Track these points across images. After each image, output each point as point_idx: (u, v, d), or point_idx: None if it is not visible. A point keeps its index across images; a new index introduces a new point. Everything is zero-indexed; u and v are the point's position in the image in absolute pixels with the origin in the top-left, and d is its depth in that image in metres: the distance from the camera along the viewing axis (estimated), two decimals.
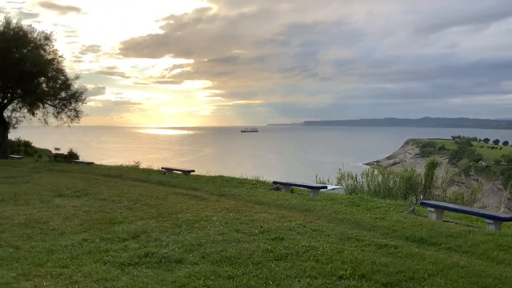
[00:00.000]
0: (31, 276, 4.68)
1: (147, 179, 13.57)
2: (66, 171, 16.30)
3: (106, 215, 7.75)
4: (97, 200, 9.44)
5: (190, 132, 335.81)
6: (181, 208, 8.42)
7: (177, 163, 57.55)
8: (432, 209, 8.60)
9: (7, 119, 26.34)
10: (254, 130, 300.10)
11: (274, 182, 12.47)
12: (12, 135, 30.13)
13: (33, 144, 38.51)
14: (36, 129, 29.98)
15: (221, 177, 14.24)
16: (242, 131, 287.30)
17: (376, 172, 17.23)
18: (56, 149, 25.44)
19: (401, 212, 8.87)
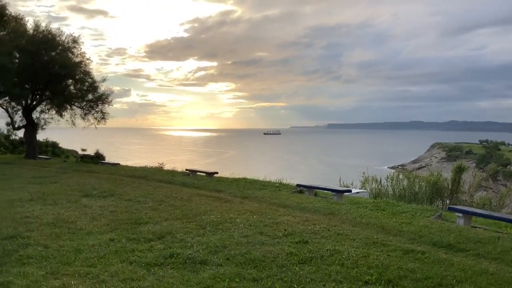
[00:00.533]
0: (59, 275, 4.78)
1: (172, 180, 13.69)
2: (92, 172, 16.59)
3: (132, 216, 7.85)
4: (123, 201, 9.57)
5: (213, 134, 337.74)
6: (205, 210, 8.46)
7: (201, 165, 57.95)
8: (460, 215, 8.42)
9: (35, 120, 26.98)
10: (277, 133, 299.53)
11: (298, 185, 12.43)
12: (40, 136, 30.89)
13: (60, 145, 39.42)
14: (63, 130, 30.59)
15: (245, 179, 14.27)
16: (264, 134, 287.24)
17: (401, 176, 17.01)
18: (82, 150, 25.91)
19: (428, 217, 8.71)
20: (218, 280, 4.63)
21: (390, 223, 7.79)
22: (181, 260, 5.26)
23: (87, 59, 26.54)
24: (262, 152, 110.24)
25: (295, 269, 5.05)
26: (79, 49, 26.36)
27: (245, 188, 12.08)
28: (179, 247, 5.83)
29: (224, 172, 17.36)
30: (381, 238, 6.55)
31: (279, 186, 12.70)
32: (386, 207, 9.46)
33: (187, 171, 16.12)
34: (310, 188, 11.86)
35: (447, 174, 16.35)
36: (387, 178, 16.44)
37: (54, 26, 28.98)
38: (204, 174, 15.42)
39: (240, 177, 14.95)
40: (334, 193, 11.06)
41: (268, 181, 13.90)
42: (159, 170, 17.76)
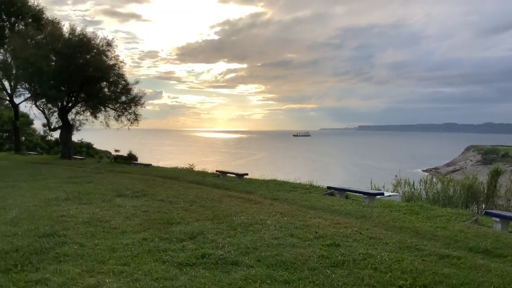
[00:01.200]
0: (94, 273, 4.88)
1: (202, 181, 13.81)
2: (125, 172, 16.91)
3: (164, 216, 7.95)
4: (155, 201, 9.71)
5: (243, 135, 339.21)
6: (235, 211, 8.49)
7: (231, 166, 58.23)
8: (498, 219, 8.16)
9: (71, 122, 27.73)
10: (307, 135, 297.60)
11: (328, 187, 12.31)
12: (75, 137, 31.74)
13: (94, 146, 40.40)
14: (97, 131, 31.30)
15: (274, 181, 14.24)
16: (294, 135, 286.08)
17: (434, 179, 16.64)
18: (116, 150, 26.41)
19: (463, 221, 8.48)
20: (250, 282, 4.63)
21: (424, 227, 7.62)
22: (213, 261, 5.29)
23: (121, 61, 27.12)
24: (292, 154, 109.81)
25: (326, 272, 4.99)
26: (113, 52, 26.96)
27: (275, 189, 12.06)
28: (211, 247, 5.86)
29: (254, 173, 17.37)
30: (415, 243, 6.42)
31: (309, 188, 12.61)
32: (420, 211, 9.25)
33: (217, 172, 16.22)
34: (341, 190, 11.73)
35: (483, 177, 15.93)
36: (420, 181, 16.12)
37: (89, 29, 29.57)
38: (234, 175, 15.48)
39: (270, 178, 14.93)
40: (366, 196, 10.90)
41: (298, 183, 13.83)
42: (189, 171, 17.94)
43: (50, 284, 4.53)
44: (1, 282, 4.59)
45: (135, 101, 27.29)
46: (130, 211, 8.43)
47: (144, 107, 28.01)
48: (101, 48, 26.47)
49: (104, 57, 26.54)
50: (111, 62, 26.78)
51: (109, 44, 26.83)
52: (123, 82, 27.25)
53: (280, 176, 16.41)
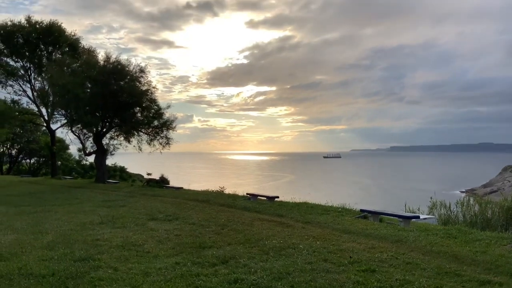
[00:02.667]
0: None
1: (233, 204, 13.80)
2: (158, 196, 17.10)
3: (196, 239, 7.96)
4: (187, 224, 9.75)
5: (274, 157, 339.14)
6: (267, 235, 8.42)
7: (261, 189, 58.11)
8: None
9: (105, 146, 28.41)
10: (337, 156, 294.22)
11: (362, 210, 12.08)
12: (109, 161, 32.47)
13: (127, 169, 41.19)
14: (130, 155, 31.89)
15: (306, 203, 14.08)
16: (324, 157, 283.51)
17: (472, 201, 16.14)
18: (148, 174, 26.80)
19: (504, 245, 8.12)
20: None
21: (463, 251, 7.34)
22: (246, 286, 5.24)
23: (153, 87, 27.73)
24: (322, 176, 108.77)
25: None
26: (145, 78, 27.61)
27: (306, 213, 11.91)
28: (243, 272, 5.81)
29: (285, 196, 17.23)
30: (454, 268, 6.18)
31: (342, 211, 12.40)
32: (458, 235, 8.94)
33: (248, 195, 16.19)
34: (374, 213, 11.49)
35: None
36: (457, 203, 15.66)
37: (123, 57, 30.71)
38: (265, 198, 15.41)
39: (301, 201, 14.78)
40: (401, 219, 10.63)
41: (330, 206, 13.63)
42: (220, 194, 17.97)
43: None
44: None
45: (167, 125, 27.80)
46: (162, 235, 8.49)
47: (176, 131, 28.50)
48: (135, 75, 27.19)
49: (137, 83, 27.23)
50: (144, 88, 27.43)
51: (142, 70, 27.54)
52: (155, 107, 27.84)
53: (311, 199, 16.21)
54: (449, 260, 6.74)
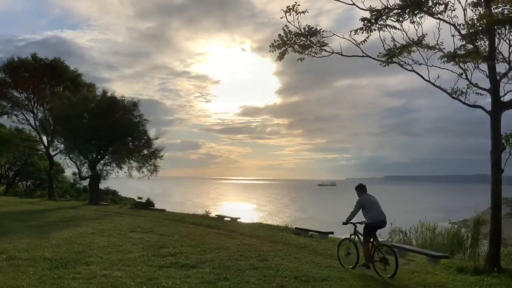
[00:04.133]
0: (108, 270, 8.14)
1: (201, 223, 17.04)
2: (141, 216, 20.30)
3: (159, 243, 11.27)
4: (157, 235, 13.02)
5: (271, 182, 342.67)
6: (211, 241, 11.76)
7: (242, 211, 60.91)
8: None
9: (99, 172, 31.62)
10: (332, 184, 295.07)
11: (296, 228, 15.36)
12: (102, 185, 35.60)
13: (119, 193, 44.29)
14: (131, 180, 34.13)
15: (259, 223, 17.39)
16: (319, 185, 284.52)
17: (424, 228, 18.86)
18: (139, 198, 29.77)
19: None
20: (198, 276, 7.81)
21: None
22: (181, 265, 8.55)
23: (144, 119, 31.16)
24: (310, 202, 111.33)
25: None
26: (137, 111, 31.09)
27: (254, 229, 15.19)
28: (183, 259, 9.13)
29: (257, 218, 20.33)
30: (320, 260, 9.45)
31: (284, 229, 15.68)
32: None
33: (217, 216, 19.46)
34: (305, 230, 14.70)
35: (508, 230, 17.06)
36: (410, 229, 18.36)
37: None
38: (229, 219, 18.67)
39: (256, 222, 18.08)
40: (320, 234, 13.87)
41: (277, 225, 16.98)
42: (194, 215, 21.18)
43: (82, 274, 7.81)
44: (55, 273, 7.88)
45: (155, 154, 31.22)
46: (137, 240, 11.78)
47: (164, 160, 31.85)
48: (128, 109, 30.58)
49: (130, 116, 30.64)
50: (136, 120, 30.88)
51: (134, 104, 31.05)
52: (145, 137, 31.28)
53: (278, 221, 19.39)
54: (325, 257, 10.04)
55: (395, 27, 10.20)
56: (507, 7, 9.19)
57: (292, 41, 10.75)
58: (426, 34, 10.14)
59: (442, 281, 8.23)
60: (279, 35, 10.76)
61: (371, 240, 8.66)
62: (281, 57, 11.01)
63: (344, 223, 8.91)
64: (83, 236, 12.62)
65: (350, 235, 9.11)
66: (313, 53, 10.90)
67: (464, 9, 9.85)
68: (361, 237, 8.86)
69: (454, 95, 10.27)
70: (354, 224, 8.93)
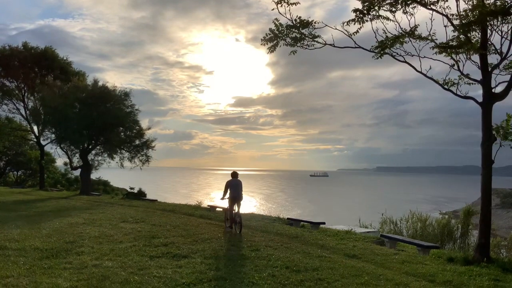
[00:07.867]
0: (99, 260, 8.12)
1: (193, 213, 17.01)
2: (133, 206, 20.23)
3: (151, 233, 11.24)
4: (149, 225, 12.98)
5: (259, 173, 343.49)
6: (203, 232, 11.75)
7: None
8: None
9: (90, 162, 31.47)
10: (324, 175, 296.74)
11: (288, 219, 15.41)
12: (94, 175, 35.44)
13: (111, 183, 44.12)
14: (124, 170, 34.14)
15: (251, 214, 17.42)
16: (311, 176, 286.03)
17: (415, 218, 19.02)
18: (131, 188, 29.66)
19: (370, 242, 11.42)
20: (189, 266, 7.81)
21: (330, 243, 10.67)
22: (173, 255, 8.54)
23: (136, 109, 30.97)
24: (301, 193, 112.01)
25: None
26: (129, 101, 30.90)
27: (245, 220, 15.16)
28: (175, 249, 9.12)
29: (258, 209, 20.34)
30: (312, 250, 9.50)
31: (275, 220, 15.73)
32: (346, 236, 12.26)
33: (209, 207, 19.44)
34: (296, 221, 14.75)
35: (502, 221, 17.60)
36: (401, 220, 18.60)
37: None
38: (221, 209, 18.64)
39: (251, 212, 18.11)
40: (312, 225, 13.92)
41: (269, 216, 17.03)
42: (186, 205, 21.14)
43: (73, 264, 7.79)
44: (45, 263, 7.84)
45: (147, 144, 31.08)
46: (128, 230, 11.74)
47: (155, 150, 31.75)
48: (119, 98, 30.38)
49: (122, 106, 30.44)
50: (128, 110, 30.69)
51: (126, 94, 30.85)
52: (137, 127, 31.10)
53: (275, 212, 19.45)
54: (316, 247, 10.10)
55: (387, 18, 10.16)
56: None
57: (283, 34, 10.69)
58: (419, 25, 10.11)
59: (432, 271, 8.28)
60: (270, 29, 10.70)
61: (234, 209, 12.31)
62: (272, 49, 10.95)
63: (221, 199, 12.57)
64: (74, 226, 12.57)
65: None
66: (305, 46, 10.84)
67: (457, 0, 9.84)
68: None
69: (446, 86, 10.31)
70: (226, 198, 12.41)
